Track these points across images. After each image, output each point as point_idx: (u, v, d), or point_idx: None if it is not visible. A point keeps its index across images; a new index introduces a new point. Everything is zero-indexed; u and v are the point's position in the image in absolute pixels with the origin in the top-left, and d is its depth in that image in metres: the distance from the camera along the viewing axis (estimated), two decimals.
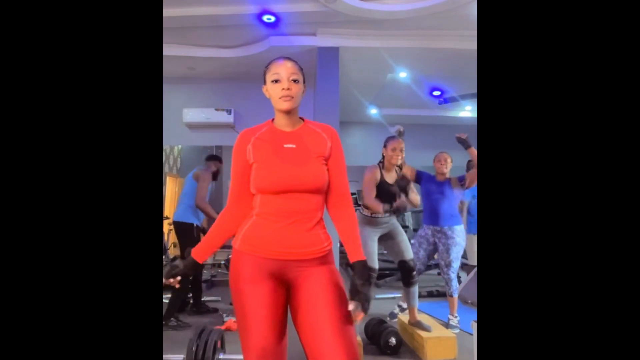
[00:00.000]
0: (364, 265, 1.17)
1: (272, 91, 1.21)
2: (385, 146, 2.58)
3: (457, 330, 2.86)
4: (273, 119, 1.26)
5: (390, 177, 2.56)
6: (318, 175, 1.17)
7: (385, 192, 2.47)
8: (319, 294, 1.13)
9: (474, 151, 2.91)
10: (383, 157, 2.58)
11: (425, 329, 2.54)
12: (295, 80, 1.20)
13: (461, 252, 2.98)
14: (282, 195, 1.14)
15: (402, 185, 2.46)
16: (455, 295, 2.88)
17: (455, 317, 2.96)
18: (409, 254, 2.60)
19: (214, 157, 3.54)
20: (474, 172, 2.95)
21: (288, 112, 1.21)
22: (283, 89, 1.18)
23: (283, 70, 1.20)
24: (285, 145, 1.20)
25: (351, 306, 1.09)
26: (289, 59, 1.23)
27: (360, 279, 1.13)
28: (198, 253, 1.23)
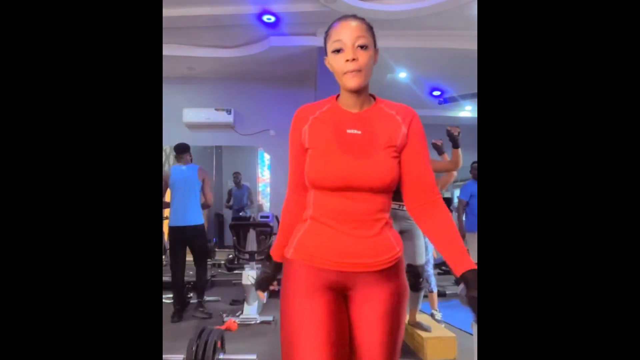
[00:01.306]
0: (475, 274, 0.89)
1: (334, 64, 0.94)
2: None
3: (443, 325, 2.90)
4: (338, 95, 1.01)
5: None
6: (385, 170, 0.93)
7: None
8: (380, 321, 0.95)
9: (458, 154, 2.77)
10: None
11: (425, 329, 2.55)
12: (362, 47, 0.92)
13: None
14: (340, 194, 0.93)
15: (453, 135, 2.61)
16: (435, 291, 3.03)
17: (438, 311, 3.07)
18: (420, 259, 2.60)
19: (186, 149, 3.40)
20: (448, 177, 2.97)
21: (357, 91, 0.95)
22: (347, 60, 0.91)
23: (346, 34, 0.92)
24: (349, 131, 0.95)
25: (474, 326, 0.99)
26: (354, 16, 0.97)
27: (475, 290, 0.86)
28: (276, 253, 1.10)
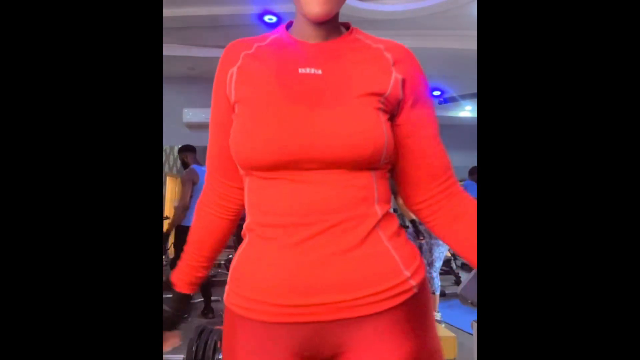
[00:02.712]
0: None
1: None
2: None
3: (443, 325, 2.91)
4: (288, 24, 0.66)
5: None
6: (367, 127, 0.55)
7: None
8: None
9: None
10: None
11: None
12: None
13: (444, 252, 3.05)
14: (291, 177, 0.55)
15: None
16: (437, 293, 3.03)
17: (438, 312, 3.11)
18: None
19: (186, 149, 3.38)
20: None
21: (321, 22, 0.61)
22: None
23: None
24: (302, 70, 0.59)
25: None
26: None
27: None
28: (182, 278, 0.70)
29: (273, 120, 0.55)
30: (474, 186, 3.96)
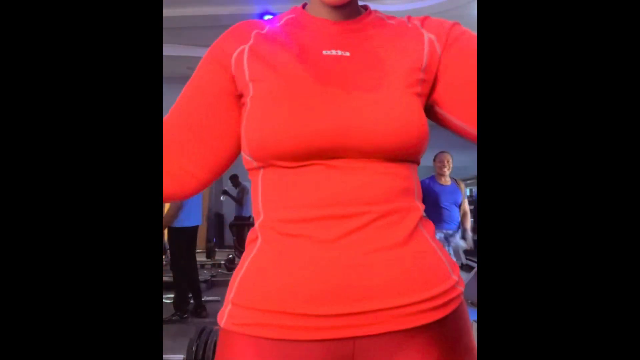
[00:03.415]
0: None
1: None
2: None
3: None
4: (303, 4, 0.60)
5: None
6: (407, 114, 0.49)
7: None
8: None
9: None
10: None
11: None
12: None
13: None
14: (323, 166, 0.47)
15: None
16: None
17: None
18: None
19: None
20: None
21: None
22: None
23: None
24: (326, 52, 0.52)
25: None
26: None
27: None
28: None
29: (305, 102, 0.47)
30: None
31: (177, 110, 0.55)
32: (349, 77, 0.50)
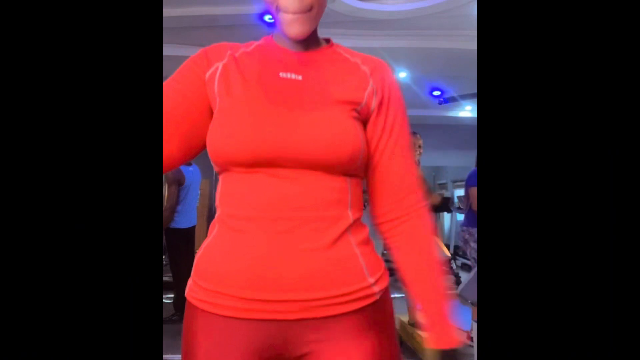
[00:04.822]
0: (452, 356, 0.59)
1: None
2: None
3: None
4: (273, 34, 0.68)
5: None
6: (342, 131, 0.58)
7: None
8: None
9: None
10: None
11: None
12: None
13: None
14: (269, 173, 0.56)
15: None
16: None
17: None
18: None
19: None
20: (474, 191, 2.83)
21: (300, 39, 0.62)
22: None
23: None
24: (283, 75, 0.62)
25: None
26: None
27: None
28: None
29: (254, 119, 0.57)
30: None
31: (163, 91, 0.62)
32: (297, 98, 0.60)
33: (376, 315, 0.58)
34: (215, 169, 0.63)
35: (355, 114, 0.61)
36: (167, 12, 3.21)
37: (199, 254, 0.61)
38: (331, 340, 0.55)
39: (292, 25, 0.59)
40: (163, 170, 0.62)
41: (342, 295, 0.55)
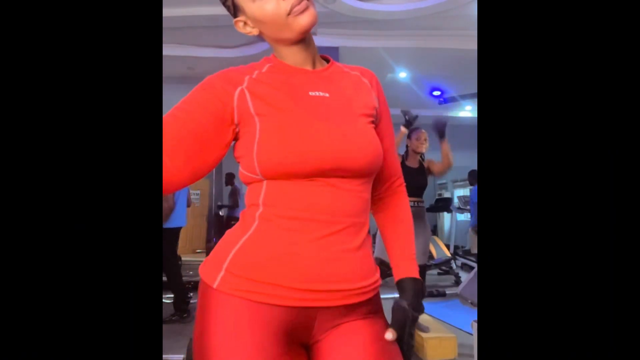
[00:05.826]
0: (418, 288, 0.70)
1: (266, 9, 0.64)
2: (409, 137, 2.73)
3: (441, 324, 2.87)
4: (270, 57, 0.72)
5: (413, 164, 2.71)
6: (376, 144, 0.66)
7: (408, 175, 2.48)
8: None
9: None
10: (407, 147, 2.73)
11: (423, 329, 2.54)
12: None
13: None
14: (319, 182, 0.62)
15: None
16: None
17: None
18: (424, 258, 2.60)
19: None
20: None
21: (303, 39, 0.68)
22: None
23: None
24: (312, 93, 0.66)
25: (389, 335, 0.65)
26: None
27: (406, 301, 0.67)
28: None
29: (310, 135, 0.62)
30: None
31: (173, 116, 0.65)
32: (331, 113, 0.66)
33: (376, 303, 0.70)
34: (251, 180, 0.66)
35: (373, 125, 0.70)
36: (167, 12, 3.21)
37: (235, 248, 0.64)
38: (350, 322, 0.66)
39: (304, 13, 0.63)
40: (171, 190, 0.65)
41: (364, 287, 0.65)
